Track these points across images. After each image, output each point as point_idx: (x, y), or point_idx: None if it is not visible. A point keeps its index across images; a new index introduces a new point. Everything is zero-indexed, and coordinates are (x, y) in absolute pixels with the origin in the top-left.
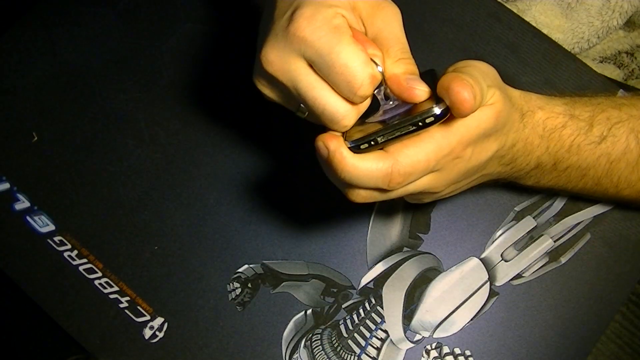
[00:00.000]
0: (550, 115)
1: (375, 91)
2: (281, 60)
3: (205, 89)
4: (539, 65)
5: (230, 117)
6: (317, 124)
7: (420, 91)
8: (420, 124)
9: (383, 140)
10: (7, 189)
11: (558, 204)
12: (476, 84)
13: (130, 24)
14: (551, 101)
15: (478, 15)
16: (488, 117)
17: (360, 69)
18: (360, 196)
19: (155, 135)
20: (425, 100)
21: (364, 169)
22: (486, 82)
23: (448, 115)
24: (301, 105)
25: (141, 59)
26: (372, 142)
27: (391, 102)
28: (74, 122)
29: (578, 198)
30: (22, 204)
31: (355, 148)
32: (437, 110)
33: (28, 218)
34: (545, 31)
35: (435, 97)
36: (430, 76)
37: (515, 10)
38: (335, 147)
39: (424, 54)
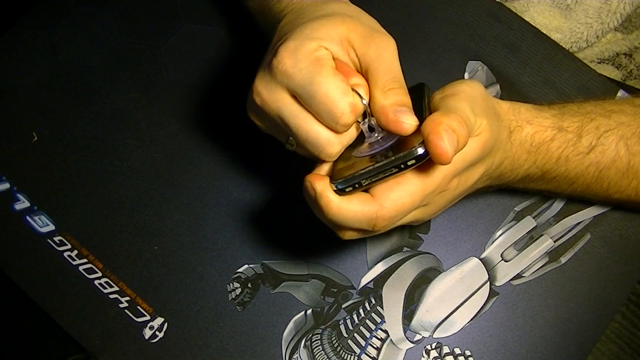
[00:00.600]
0: (539, 129)
1: (361, 123)
2: (267, 92)
3: (206, 89)
4: (539, 65)
5: (231, 117)
6: (308, 158)
7: (407, 125)
8: (402, 165)
9: (367, 183)
10: (7, 189)
11: (558, 204)
12: (461, 126)
13: (130, 24)
14: (540, 114)
15: (478, 15)
16: (473, 148)
17: (340, 98)
18: (347, 235)
19: (155, 135)
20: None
21: (349, 213)
22: (475, 111)
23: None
24: (290, 137)
25: (141, 59)
26: (357, 185)
27: (376, 134)
28: (74, 122)
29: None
30: (22, 204)
31: (341, 191)
32: (420, 151)
33: (28, 218)
34: (543, 32)
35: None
36: (419, 92)
37: None
38: (321, 189)
39: (424, 54)
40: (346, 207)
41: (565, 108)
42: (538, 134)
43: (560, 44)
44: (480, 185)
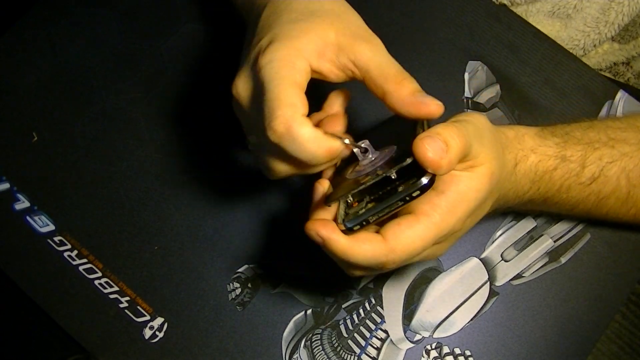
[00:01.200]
0: (542, 159)
1: (355, 150)
2: (246, 92)
3: (206, 89)
4: (539, 65)
5: (230, 117)
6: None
7: (434, 105)
8: (407, 198)
9: (375, 219)
10: (7, 189)
11: None
12: (448, 131)
13: (130, 24)
14: (544, 142)
15: (478, 15)
16: (482, 183)
17: (314, 150)
18: (356, 273)
19: (155, 135)
20: (398, 155)
21: (359, 255)
22: (479, 141)
23: (434, 182)
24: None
25: (141, 59)
26: (364, 223)
27: (370, 155)
28: (74, 122)
29: None
30: (22, 204)
31: (349, 230)
32: (424, 181)
33: (28, 218)
34: None
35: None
36: (395, 124)
37: None
38: (328, 235)
39: (424, 54)
40: (357, 250)
41: (569, 136)
42: (542, 163)
43: None
44: (485, 215)
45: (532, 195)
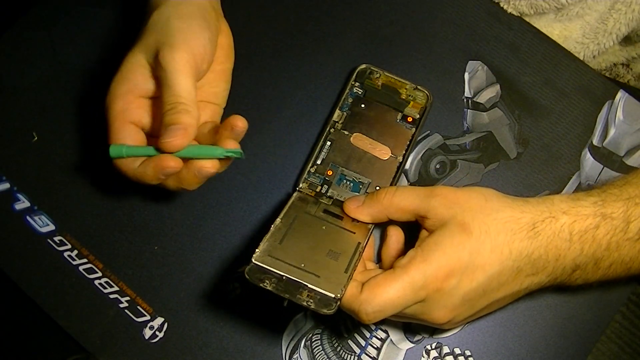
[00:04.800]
0: (577, 219)
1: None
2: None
3: None
4: (539, 65)
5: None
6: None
7: (169, 143)
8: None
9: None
10: (7, 189)
11: None
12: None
13: (131, 24)
14: (577, 203)
15: (478, 15)
16: (455, 232)
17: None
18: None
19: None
20: None
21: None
22: (441, 203)
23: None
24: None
25: None
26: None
27: None
28: (74, 122)
29: None
30: (22, 204)
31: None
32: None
33: (28, 218)
34: None
35: None
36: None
37: None
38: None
39: (424, 54)
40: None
41: (606, 194)
42: (577, 223)
43: None
44: (514, 287)
45: (577, 258)
